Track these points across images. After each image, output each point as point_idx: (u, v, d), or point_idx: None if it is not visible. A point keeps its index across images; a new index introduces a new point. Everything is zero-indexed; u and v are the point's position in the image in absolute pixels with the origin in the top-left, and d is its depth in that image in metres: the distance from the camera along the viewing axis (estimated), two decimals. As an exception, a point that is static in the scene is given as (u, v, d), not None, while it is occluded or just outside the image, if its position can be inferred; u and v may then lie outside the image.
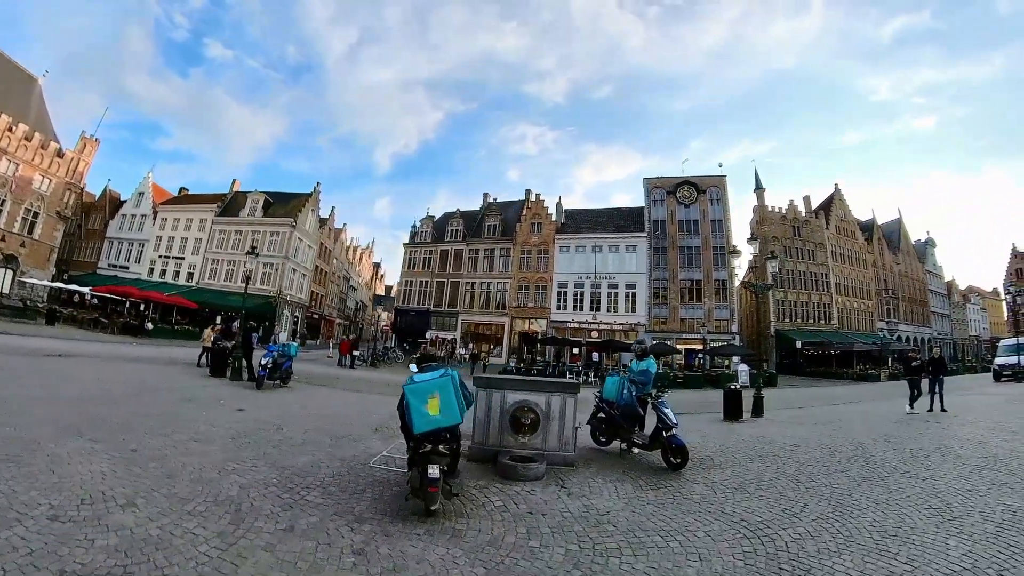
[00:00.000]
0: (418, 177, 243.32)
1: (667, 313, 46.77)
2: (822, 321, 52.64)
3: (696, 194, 49.72)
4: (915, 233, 70.49)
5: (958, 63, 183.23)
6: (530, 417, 7.33)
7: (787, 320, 50.96)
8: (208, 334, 18.23)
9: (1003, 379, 28.56)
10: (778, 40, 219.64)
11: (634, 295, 46.93)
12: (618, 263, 47.72)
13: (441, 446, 5.00)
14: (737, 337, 46.46)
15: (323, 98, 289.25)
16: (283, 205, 48.45)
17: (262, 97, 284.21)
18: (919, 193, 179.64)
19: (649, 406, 7.96)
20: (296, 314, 48.28)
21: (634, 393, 7.98)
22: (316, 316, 54.89)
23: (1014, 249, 70.27)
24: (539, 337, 43.64)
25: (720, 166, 54.01)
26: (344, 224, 67.59)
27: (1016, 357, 28.82)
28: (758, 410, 13.67)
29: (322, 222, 55.36)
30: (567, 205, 54.44)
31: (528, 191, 52.64)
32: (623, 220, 50.88)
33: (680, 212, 49.53)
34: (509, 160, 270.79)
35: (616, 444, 8.64)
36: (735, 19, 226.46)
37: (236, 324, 17.86)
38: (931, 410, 13.80)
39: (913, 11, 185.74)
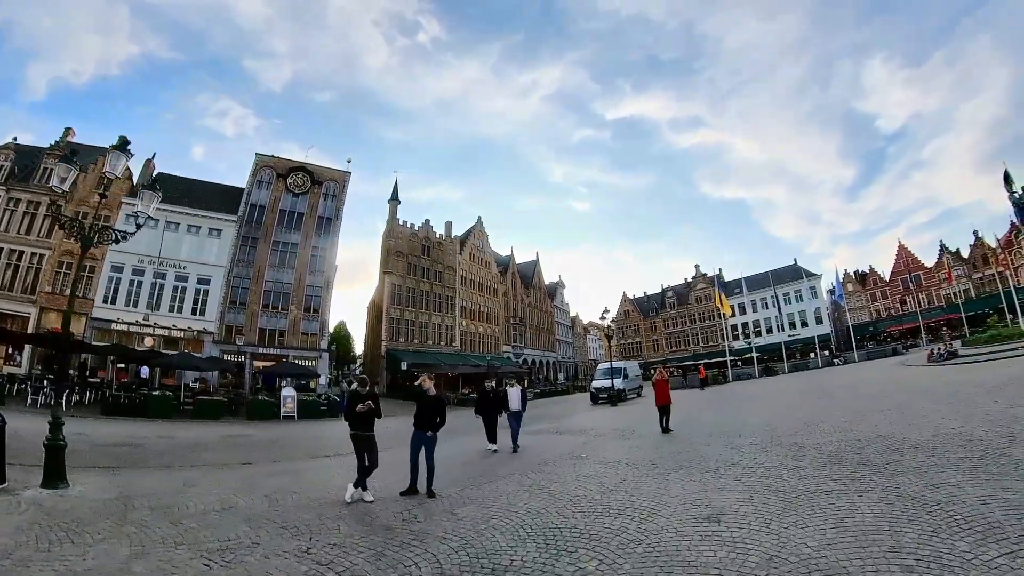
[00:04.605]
0: (81, 121, 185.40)
1: (244, 320, 36.23)
2: (443, 342, 49.17)
3: (310, 184, 41.33)
4: (551, 276, 77.69)
5: (616, 172, 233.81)
6: None
7: (403, 340, 45.54)
8: None
9: (600, 401, 28.26)
10: (497, 111, 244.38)
11: (206, 293, 35.33)
12: (195, 248, 35.67)
13: None
14: (325, 355, 38.75)
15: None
16: None
17: None
18: (572, 253, 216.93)
19: None
20: None
21: None
22: None
23: (624, 296, 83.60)
24: (73, 340, 28.83)
25: (349, 162, 46.40)
26: None
27: (610, 380, 28.64)
28: (53, 473, 7.45)
29: None
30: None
31: (123, 138, 35.92)
32: (219, 198, 39.12)
33: (286, 201, 40.30)
34: (198, 134, 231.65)
35: None
36: (469, 80, 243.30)
37: None
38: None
39: (599, 129, 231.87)
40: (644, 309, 79.30)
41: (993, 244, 51.60)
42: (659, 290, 79.56)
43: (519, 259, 67.43)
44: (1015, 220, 40.10)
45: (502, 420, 12.31)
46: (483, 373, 41.21)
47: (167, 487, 8.19)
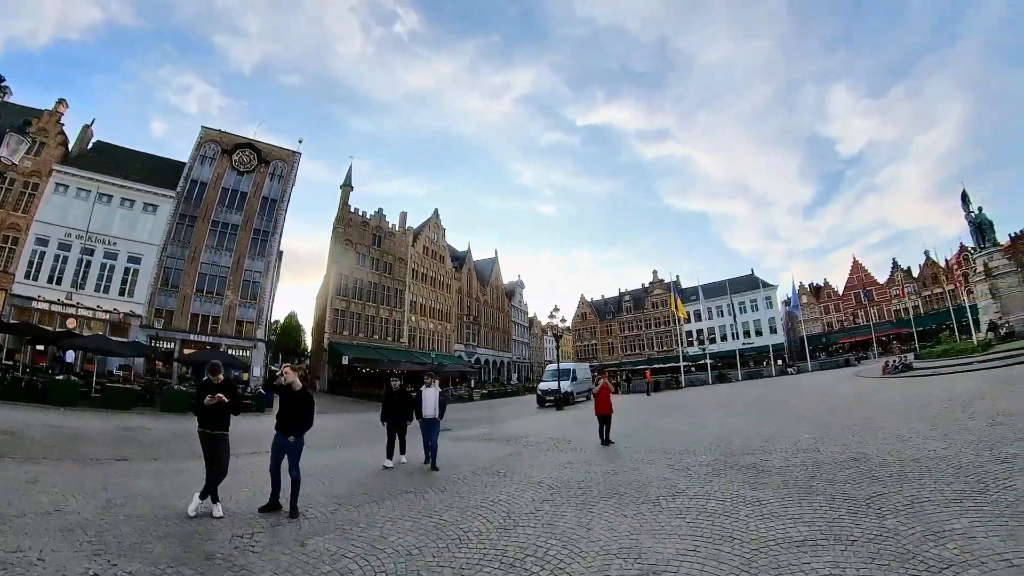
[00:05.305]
0: (35, 86, 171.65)
1: (176, 303, 33.38)
2: (390, 337, 46.93)
3: (256, 162, 38.53)
4: (512, 276, 76.54)
5: (582, 178, 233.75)
6: None
7: (347, 333, 43.10)
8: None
9: (547, 404, 27.21)
10: (469, 110, 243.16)
11: (136, 272, 32.30)
12: (128, 224, 32.61)
13: None
14: (260, 345, 36.03)
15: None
16: None
17: None
18: (537, 255, 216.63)
19: None
20: None
21: None
22: None
23: (582, 298, 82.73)
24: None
25: (300, 143, 43.27)
26: None
27: (557, 382, 27.60)
28: None
29: None
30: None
31: (61, 100, 32.76)
32: (158, 171, 35.89)
33: (229, 179, 37.39)
34: (159, 108, 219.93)
35: None
36: (445, 76, 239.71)
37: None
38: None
39: (569, 134, 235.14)
40: (601, 312, 78.51)
41: (942, 265, 52.91)
42: (616, 294, 78.87)
43: (479, 256, 65.61)
44: (965, 242, 40.72)
45: (413, 428, 9.86)
46: (429, 371, 39.18)
47: (8, 482, 7.15)
